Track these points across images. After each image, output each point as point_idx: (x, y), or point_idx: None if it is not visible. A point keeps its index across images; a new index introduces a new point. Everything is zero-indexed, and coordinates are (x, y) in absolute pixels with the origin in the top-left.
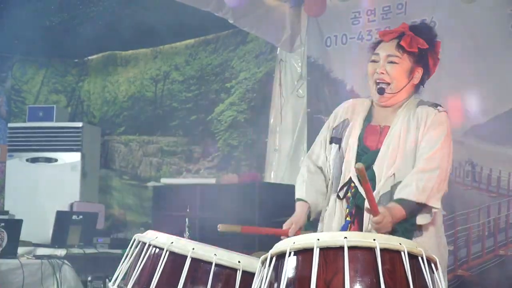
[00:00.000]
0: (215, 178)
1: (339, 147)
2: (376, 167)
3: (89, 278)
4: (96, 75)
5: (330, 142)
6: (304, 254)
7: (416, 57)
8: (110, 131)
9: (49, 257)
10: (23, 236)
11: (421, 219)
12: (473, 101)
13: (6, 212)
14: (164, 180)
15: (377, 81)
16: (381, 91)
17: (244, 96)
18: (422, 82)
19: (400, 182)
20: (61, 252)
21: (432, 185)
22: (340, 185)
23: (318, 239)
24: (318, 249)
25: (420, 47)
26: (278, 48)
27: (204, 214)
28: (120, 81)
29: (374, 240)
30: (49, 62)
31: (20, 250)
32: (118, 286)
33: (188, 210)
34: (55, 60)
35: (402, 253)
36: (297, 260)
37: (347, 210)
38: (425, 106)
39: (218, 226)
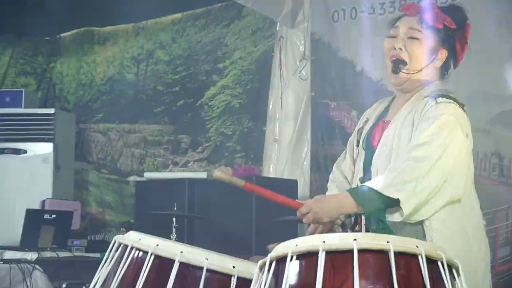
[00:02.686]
0: (206, 172)
1: (359, 149)
2: (372, 168)
3: (64, 285)
4: (70, 54)
5: (357, 145)
6: (308, 258)
7: (441, 36)
8: (86, 118)
9: (18, 261)
10: None
11: (390, 215)
12: (501, 83)
13: None
14: (148, 174)
15: (393, 58)
16: (396, 69)
17: (239, 78)
18: (446, 67)
19: None
20: (32, 255)
21: (399, 176)
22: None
23: (324, 241)
24: (324, 253)
25: (447, 25)
26: (278, 24)
27: (193, 212)
28: (98, 61)
29: (387, 242)
30: (16, 40)
31: None
32: None
33: (175, 208)
34: (23, 38)
35: (419, 257)
36: (300, 265)
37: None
38: (427, 98)
39: (211, 171)
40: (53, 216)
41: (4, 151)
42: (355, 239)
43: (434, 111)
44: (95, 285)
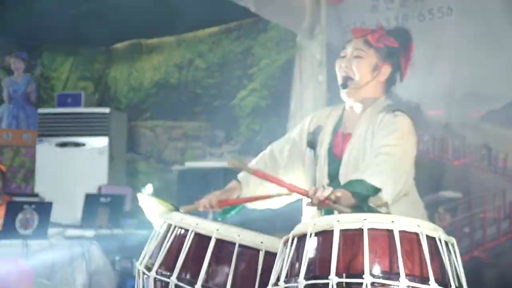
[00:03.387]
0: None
1: (314, 153)
2: (340, 177)
3: (117, 258)
4: (122, 62)
5: (307, 146)
6: (324, 235)
7: (383, 54)
8: (136, 116)
9: (78, 238)
10: (53, 218)
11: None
12: (489, 85)
13: (37, 195)
14: (189, 164)
15: (342, 75)
16: (344, 85)
17: (265, 83)
18: (392, 82)
19: None
20: (90, 233)
21: (376, 167)
22: None
23: (339, 221)
24: (338, 230)
25: (388, 44)
26: (298, 36)
27: None
28: (145, 68)
29: (392, 222)
30: (76, 50)
31: (51, 231)
32: (145, 265)
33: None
34: (82, 48)
35: (420, 234)
36: (318, 241)
37: (320, 211)
38: (383, 113)
39: (227, 161)
40: (108, 199)
41: (67, 144)
42: (365, 219)
43: (392, 121)
44: (143, 258)
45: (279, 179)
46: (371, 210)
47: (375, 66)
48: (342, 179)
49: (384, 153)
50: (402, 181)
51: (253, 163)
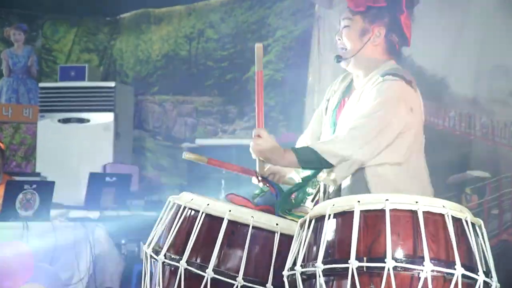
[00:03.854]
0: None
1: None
2: None
3: (123, 241)
4: (128, 33)
5: (325, 114)
6: (344, 216)
7: (370, 16)
8: (144, 91)
9: (82, 219)
10: (55, 199)
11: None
12: None
13: (38, 174)
14: (199, 141)
15: (339, 47)
16: (337, 59)
17: (281, 55)
18: (392, 43)
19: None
20: (94, 214)
21: (339, 143)
22: None
23: (359, 201)
24: (359, 211)
25: (372, 5)
26: (316, 5)
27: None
28: (153, 39)
29: (416, 202)
30: (80, 20)
31: (53, 212)
32: (152, 249)
33: (224, 171)
34: (86, 19)
35: (446, 216)
36: (337, 223)
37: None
38: (376, 76)
39: (183, 154)
40: (114, 178)
41: (70, 120)
42: (387, 199)
43: (379, 88)
44: (151, 241)
45: (231, 164)
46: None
47: (362, 30)
48: None
49: (353, 128)
50: (369, 152)
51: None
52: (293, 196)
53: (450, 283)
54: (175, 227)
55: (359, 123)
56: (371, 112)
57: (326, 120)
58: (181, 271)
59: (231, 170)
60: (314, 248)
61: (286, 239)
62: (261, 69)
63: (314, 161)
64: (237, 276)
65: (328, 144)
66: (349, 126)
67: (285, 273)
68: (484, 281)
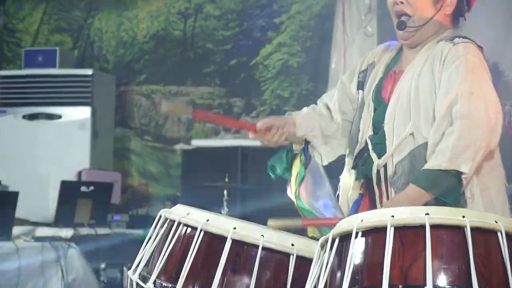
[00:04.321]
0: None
1: (362, 96)
2: (386, 126)
3: (103, 266)
4: (109, 9)
5: (357, 88)
6: (375, 234)
7: None
8: (128, 80)
9: (52, 239)
10: (19, 213)
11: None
12: None
13: None
14: (197, 142)
15: (398, 13)
16: (400, 25)
17: (297, 35)
18: (459, 13)
19: (425, 144)
20: (67, 233)
21: (452, 143)
22: (358, 148)
23: (393, 216)
24: (392, 228)
25: None
26: None
27: (247, 184)
28: (140, 16)
29: (463, 217)
30: None
31: (16, 230)
32: (139, 275)
33: (226, 179)
34: None
35: (499, 233)
36: (366, 242)
37: (359, 181)
38: (442, 41)
39: (162, 105)
40: (91, 188)
41: (37, 117)
42: (427, 214)
43: (455, 53)
44: (137, 266)
45: (222, 117)
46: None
47: None
48: (388, 129)
49: (461, 117)
50: (486, 145)
51: (299, 122)
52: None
53: None
54: (167, 248)
55: (463, 109)
56: (466, 90)
57: (361, 95)
58: None
59: (225, 124)
60: (338, 274)
61: (304, 263)
62: (193, 110)
63: (444, 179)
64: None
65: (447, 151)
66: (438, 110)
67: None
68: None
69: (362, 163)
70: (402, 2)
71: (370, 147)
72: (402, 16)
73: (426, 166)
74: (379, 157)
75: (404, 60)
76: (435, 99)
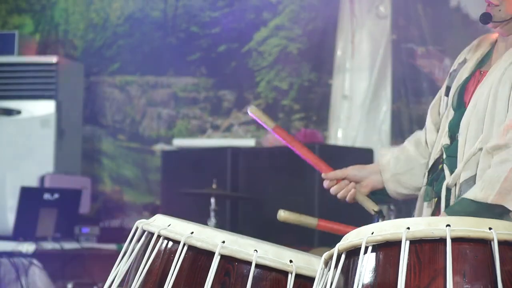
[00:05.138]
0: (254, 138)
1: (447, 102)
2: (460, 136)
3: (70, 286)
4: None
5: (446, 94)
6: (387, 249)
7: None
8: (99, 69)
9: (10, 254)
10: None
11: None
12: None
13: None
14: (179, 142)
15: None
16: (484, 18)
17: (297, 16)
18: None
19: None
20: (28, 247)
21: (506, 175)
22: (432, 158)
23: (409, 228)
24: (408, 242)
25: None
26: None
27: (238, 191)
28: None
29: (490, 229)
30: None
31: None
32: None
33: (214, 185)
34: None
35: None
36: (377, 258)
37: (431, 201)
38: None
39: (248, 108)
40: (56, 196)
41: None
42: (448, 225)
43: None
44: (110, 286)
45: (301, 145)
46: None
47: None
48: (461, 140)
49: (501, 149)
50: None
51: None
52: None
53: None
54: (145, 265)
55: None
56: None
57: (445, 102)
58: None
59: (301, 154)
60: None
61: (304, 282)
62: (273, 125)
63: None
64: None
65: (491, 185)
66: (499, 129)
67: None
68: None
69: (435, 178)
70: None
71: (444, 158)
72: (492, 6)
73: (468, 196)
74: (451, 173)
75: (494, 56)
76: (508, 110)
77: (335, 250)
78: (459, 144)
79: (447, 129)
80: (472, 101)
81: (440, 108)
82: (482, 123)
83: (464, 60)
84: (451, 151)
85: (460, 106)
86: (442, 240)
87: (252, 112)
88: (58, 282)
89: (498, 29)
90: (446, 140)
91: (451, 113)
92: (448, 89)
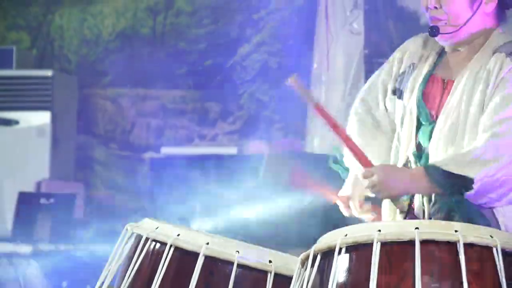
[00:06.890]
0: (236, 147)
1: (403, 105)
2: (431, 147)
3: (64, 285)
4: (71, 4)
5: (393, 93)
6: (360, 251)
7: None
8: (92, 82)
9: (9, 255)
10: None
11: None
12: None
13: None
14: (167, 150)
15: (431, 17)
16: (432, 32)
17: (277, 33)
18: (505, 4)
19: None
20: (26, 249)
21: (480, 153)
22: (401, 162)
23: (379, 230)
24: (379, 244)
25: None
26: None
27: (222, 196)
28: (105, 12)
29: (456, 231)
30: None
31: None
32: None
33: (199, 191)
34: None
35: (494, 249)
36: (351, 259)
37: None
38: (501, 54)
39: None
40: (51, 200)
41: None
42: (416, 228)
43: None
44: (102, 284)
45: (344, 132)
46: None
47: None
48: (432, 151)
49: (493, 135)
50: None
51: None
52: None
53: None
54: (134, 266)
55: (500, 129)
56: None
57: (399, 105)
58: None
59: (344, 144)
60: None
61: (283, 281)
62: (314, 101)
63: (452, 182)
64: None
65: (464, 156)
66: (486, 120)
67: None
68: None
69: None
70: (435, 7)
71: (411, 162)
72: (438, 20)
73: (437, 163)
74: None
75: (448, 63)
76: (484, 112)
77: (311, 251)
78: (431, 155)
79: (412, 134)
80: (444, 112)
81: (386, 103)
82: (453, 132)
83: (412, 65)
84: (422, 158)
85: (427, 118)
86: (411, 242)
87: (292, 83)
88: (53, 281)
89: (448, 42)
90: (413, 147)
91: (415, 122)
92: (398, 91)
